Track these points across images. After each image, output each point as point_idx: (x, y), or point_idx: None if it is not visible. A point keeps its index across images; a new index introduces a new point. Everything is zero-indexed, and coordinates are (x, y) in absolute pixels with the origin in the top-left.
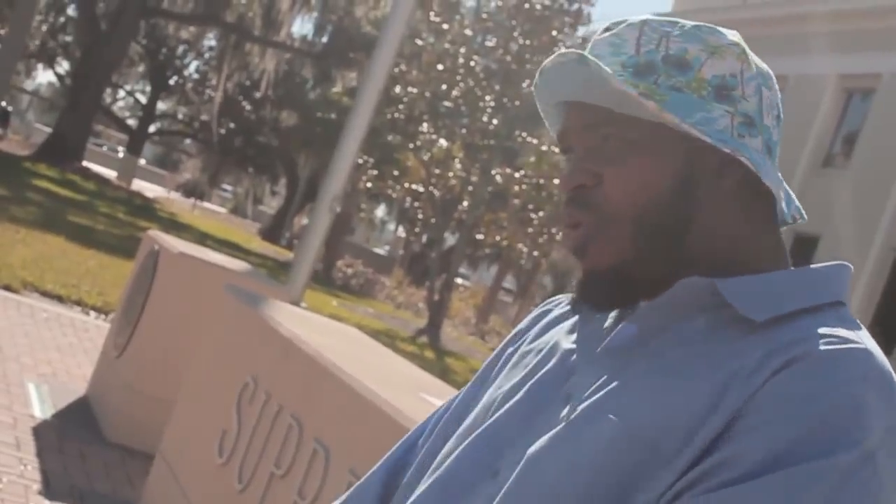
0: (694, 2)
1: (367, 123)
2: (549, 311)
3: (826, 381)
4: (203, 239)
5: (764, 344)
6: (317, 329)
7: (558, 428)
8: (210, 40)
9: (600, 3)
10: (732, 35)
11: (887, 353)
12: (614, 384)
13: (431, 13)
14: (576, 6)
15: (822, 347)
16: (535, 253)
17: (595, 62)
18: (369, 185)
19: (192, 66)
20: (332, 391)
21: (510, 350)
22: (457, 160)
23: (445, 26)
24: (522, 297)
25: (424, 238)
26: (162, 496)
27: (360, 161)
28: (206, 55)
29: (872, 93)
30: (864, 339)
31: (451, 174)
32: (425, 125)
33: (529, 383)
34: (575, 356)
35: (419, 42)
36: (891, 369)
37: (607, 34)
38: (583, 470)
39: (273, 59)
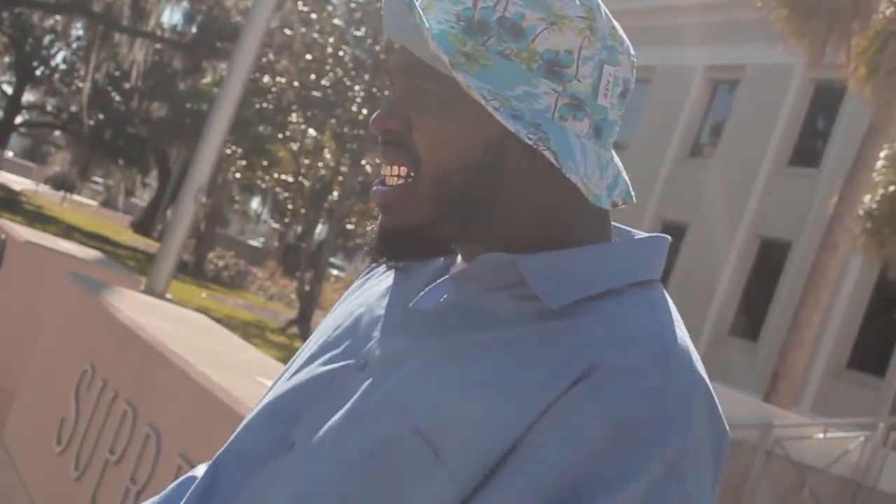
0: None
1: (233, 113)
2: (373, 274)
3: (619, 399)
4: (70, 232)
5: (561, 343)
6: (160, 316)
7: (350, 405)
8: (77, 30)
9: None
10: (586, 5)
11: (752, 337)
12: (410, 365)
13: (300, 2)
14: None
15: (618, 354)
16: None
17: (419, 14)
18: (238, 175)
19: (60, 57)
20: (166, 376)
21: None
22: (326, 150)
23: (314, 16)
24: None
25: (299, 229)
26: (1, 486)
27: (230, 151)
28: (74, 45)
29: (737, 83)
30: (669, 326)
31: (320, 164)
32: (294, 115)
33: (332, 349)
34: (380, 321)
35: (288, 32)
36: (695, 368)
37: None
38: (364, 458)
39: (142, 50)
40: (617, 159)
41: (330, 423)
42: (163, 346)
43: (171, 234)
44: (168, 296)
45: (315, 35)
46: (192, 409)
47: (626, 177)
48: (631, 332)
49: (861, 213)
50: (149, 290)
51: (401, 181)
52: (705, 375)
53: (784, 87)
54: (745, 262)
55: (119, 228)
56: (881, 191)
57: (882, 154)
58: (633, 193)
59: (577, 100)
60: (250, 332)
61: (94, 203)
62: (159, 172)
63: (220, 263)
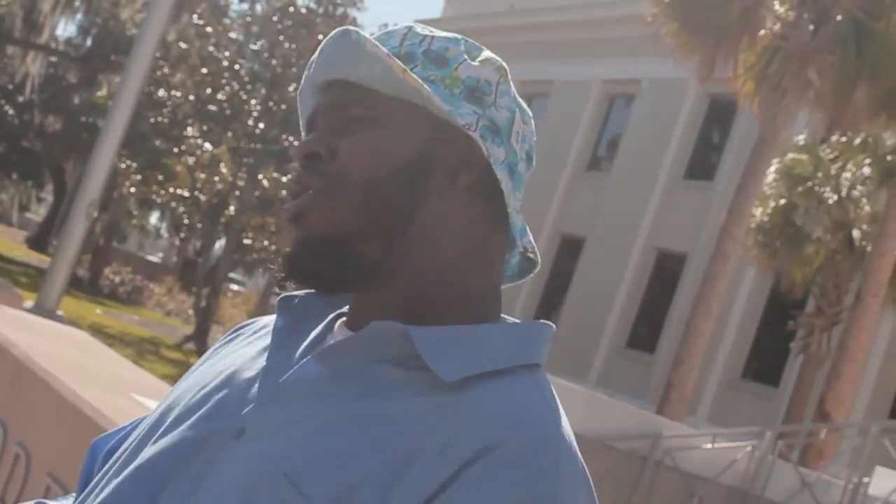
0: (463, 7)
1: (126, 127)
2: (238, 335)
3: (519, 477)
4: None
5: (453, 417)
6: (36, 332)
7: (230, 473)
8: None
9: (371, 9)
10: (495, 57)
11: (649, 349)
12: (293, 431)
13: (196, 16)
14: (341, 10)
15: (514, 435)
16: None
17: (367, 36)
18: (133, 190)
19: None
20: (35, 393)
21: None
22: (223, 164)
23: (210, 29)
24: None
25: (198, 244)
26: None
27: (125, 166)
28: None
29: (634, 97)
30: (555, 412)
31: (217, 179)
32: (190, 129)
33: (198, 410)
34: (256, 385)
35: (184, 45)
36: (575, 448)
37: (378, 33)
38: None
39: (36, 62)
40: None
41: (208, 491)
42: (34, 363)
43: (62, 249)
44: (59, 312)
45: (211, 48)
46: (63, 428)
47: (531, 236)
48: (523, 412)
49: (753, 225)
50: (39, 307)
51: (315, 192)
52: (583, 461)
53: (679, 101)
54: (642, 274)
55: (13, 244)
56: (772, 203)
57: (772, 168)
58: (538, 258)
59: (495, 125)
60: (145, 348)
61: None
62: (55, 187)
63: (117, 279)
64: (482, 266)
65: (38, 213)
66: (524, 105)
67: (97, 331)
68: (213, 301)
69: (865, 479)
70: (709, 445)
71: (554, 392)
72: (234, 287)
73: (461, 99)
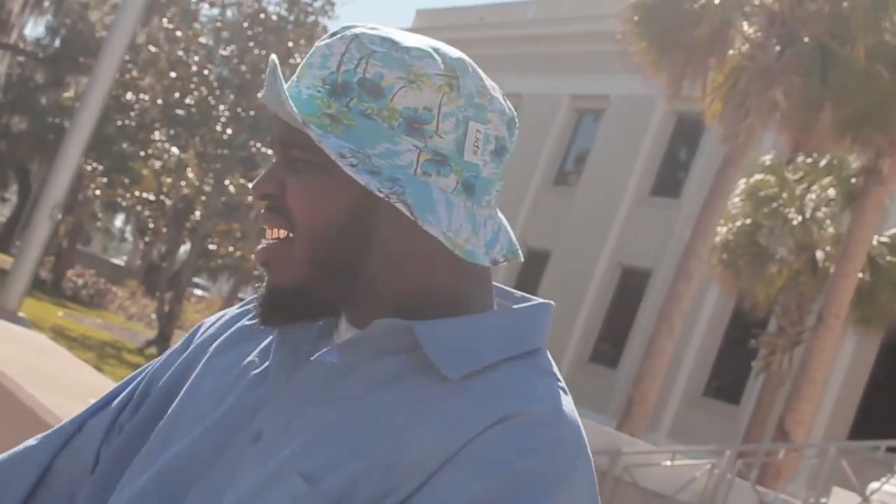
0: (433, 19)
1: (92, 129)
2: (241, 318)
3: (525, 443)
4: None
5: (466, 398)
6: None
7: (250, 483)
8: None
9: (342, 17)
10: (448, 64)
11: (612, 364)
12: (304, 431)
13: (164, 20)
14: (312, 19)
15: (517, 410)
16: None
17: (281, 81)
18: (98, 192)
19: None
20: None
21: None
22: (189, 169)
23: (179, 34)
24: None
25: (163, 248)
26: None
27: (90, 168)
28: None
29: (602, 113)
30: (557, 393)
31: (183, 183)
32: (158, 133)
33: (218, 410)
34: (266, 384)
35: (153, 49)
36: (582, 435)
37: (326, 41)
38: None
39: (3, 62)
40: (501, 217)
41: (232, 494)
42: None
43: (25, 251)
44: (21, 314)
45: (180, 53)
46: (18, 432)
47: (511, 235)
48: (525, 394)
49: (718, 243)
50: (0, 308)
51: (279, 239)
52: (587, 444)
53: (647, 117)
54: (607, 289)
55: None
56: (737, 223)
57: (739, 188)
58: (518, 250)
59: (440, 155)
60: (106, 352)
61: None
62: (19, 188)
63: (80, 282)
64: (457, 269)
65: (1, 214)
66: (487, 100)
67: (59, 333)
68: (177, 306)
69: (823, 500)
70: (668, 462)
71: (555, 372)
72: (198, 292)
73: (401, 132)
